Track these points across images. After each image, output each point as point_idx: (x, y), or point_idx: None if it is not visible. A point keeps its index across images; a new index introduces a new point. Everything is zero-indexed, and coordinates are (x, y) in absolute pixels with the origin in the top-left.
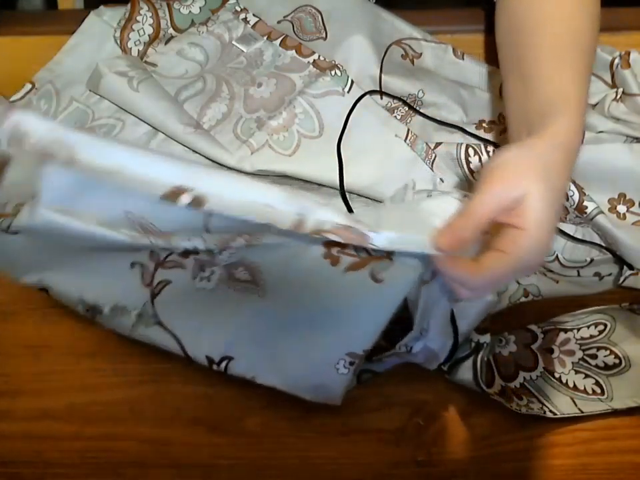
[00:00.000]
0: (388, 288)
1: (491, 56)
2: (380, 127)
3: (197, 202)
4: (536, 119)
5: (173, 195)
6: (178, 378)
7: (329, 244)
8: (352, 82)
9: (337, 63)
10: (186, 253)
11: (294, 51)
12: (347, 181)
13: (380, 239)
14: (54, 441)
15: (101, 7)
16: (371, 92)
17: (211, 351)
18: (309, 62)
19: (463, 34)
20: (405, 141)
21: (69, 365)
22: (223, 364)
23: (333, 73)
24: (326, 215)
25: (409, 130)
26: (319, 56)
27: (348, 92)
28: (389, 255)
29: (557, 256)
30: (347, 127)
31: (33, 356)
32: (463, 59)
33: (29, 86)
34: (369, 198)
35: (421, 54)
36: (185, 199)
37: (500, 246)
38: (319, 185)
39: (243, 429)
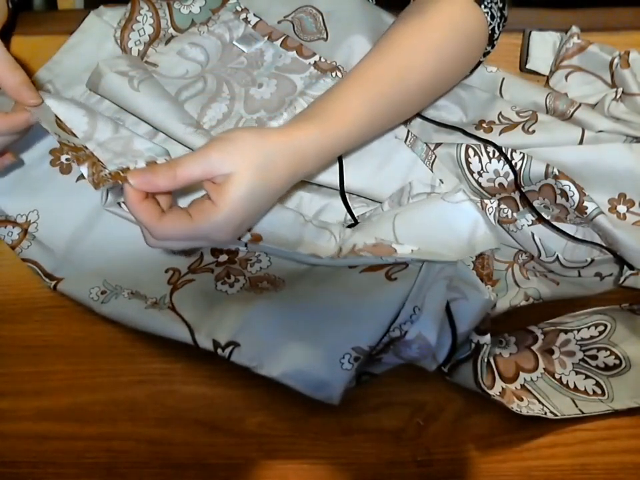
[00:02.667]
0: (400, 284)
1: (492, 55)
2: None
3: (254, 239)
4: (302, 115)
5: None
6: (178, 378)
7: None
8: None
9: (337, 64)
10: (222, 263)
11: (295, 51)
12: (346, 182)
13: (404, 250)
14: (54, 441)
15: (101, 7)
16: None
17: (219, 335)
18: (309, 63)
19: None
20: (405, 142)
21: (69, 365)
22: (228, 349)
23: (333, 74)
24: (358, 239)
25: (408, 131)
26: (320, 57)
27: None
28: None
29: (557, 256)
30: None
31: (33, 356)
32: None
33: None
34: (368, 199)
35: None
36: (245, 237)
37: (191, 210)
38: (319, 185)
39: (243, 429)
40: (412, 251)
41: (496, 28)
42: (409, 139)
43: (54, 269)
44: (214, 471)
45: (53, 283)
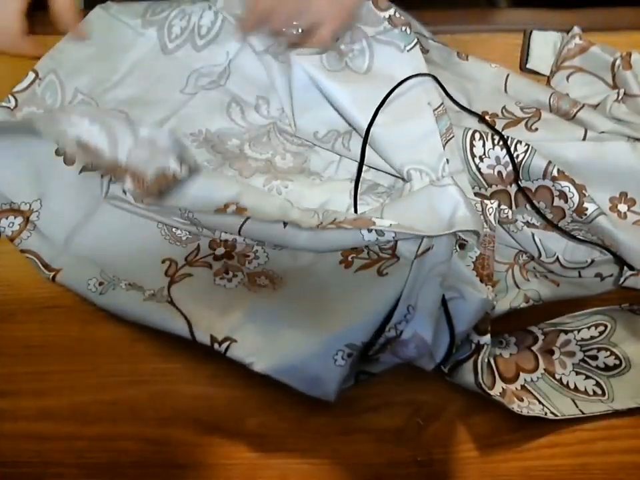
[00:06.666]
0: (390, 279)
1: (492, 55)
2: (418, 91)
3: (239, 210)
4: None
5: (224, 208)
6: (178, 378)
7: (347, 252)
8: (415, 44)
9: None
10: (220, 257)
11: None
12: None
13: (383, 222)
14: (54, 441)
15: (108, 2)
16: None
17: (216, 331)
18: (384, 17)
19: (463, 34)
20: (435, 111)
21: (69, 365)
22: (225, 345)
23: (403, 28)
24: (340, 214)
25: (442, 102)
26: (395, 12)
27: (408, 51)
28: (394, 253)
29: (557, 257)
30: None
31: (33, 356)
32: (467, 60)
33: (32, 75)
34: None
35: (428, 50)
36: (231, 208)
37: None
38: (321, 180)
39: (243, 429)
40: (390, 224)
41: None
42: (439, 109)
43: (52, 260)
44: (214, 471)
45: (52, 274)
